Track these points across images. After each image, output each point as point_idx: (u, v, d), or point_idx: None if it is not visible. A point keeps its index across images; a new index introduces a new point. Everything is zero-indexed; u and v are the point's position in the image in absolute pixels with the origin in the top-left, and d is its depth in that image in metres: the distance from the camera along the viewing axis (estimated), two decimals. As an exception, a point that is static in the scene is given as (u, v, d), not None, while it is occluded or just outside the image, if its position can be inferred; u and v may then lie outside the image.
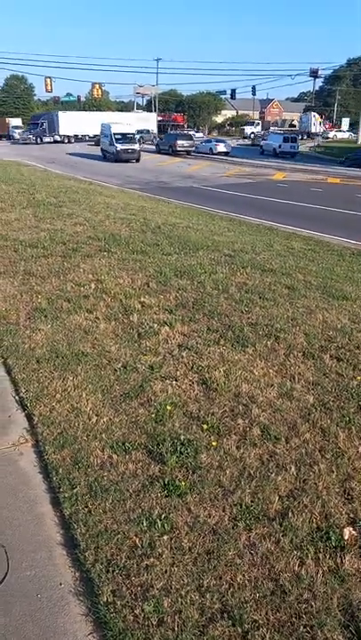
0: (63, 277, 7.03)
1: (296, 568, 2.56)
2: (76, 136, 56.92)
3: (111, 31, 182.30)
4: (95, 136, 48.57)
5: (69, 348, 4.80)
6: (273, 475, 3.22)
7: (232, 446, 3.47)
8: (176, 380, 4.27)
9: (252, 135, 64.10)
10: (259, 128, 72.01)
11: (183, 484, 3.07)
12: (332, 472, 3.26)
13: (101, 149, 40.36)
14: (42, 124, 57.39)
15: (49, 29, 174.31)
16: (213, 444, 3.45)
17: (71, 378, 4.26)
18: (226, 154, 44.33)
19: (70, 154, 41.98)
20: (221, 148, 45.73)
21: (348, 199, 19.74)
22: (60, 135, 56.70)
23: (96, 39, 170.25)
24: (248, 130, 70.48)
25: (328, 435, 3.65)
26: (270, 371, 4.54)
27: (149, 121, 63.44)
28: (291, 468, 3.30)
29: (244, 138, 68.15)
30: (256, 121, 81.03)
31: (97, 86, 63.09)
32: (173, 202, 17.73)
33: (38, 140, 55.55)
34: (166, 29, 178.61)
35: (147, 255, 8.45)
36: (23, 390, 4.11)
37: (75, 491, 3.04)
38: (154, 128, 63.07)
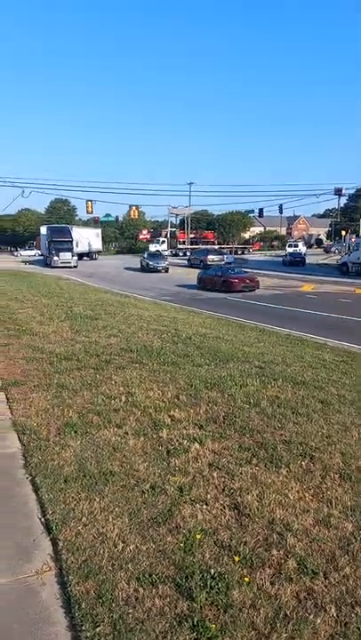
0: (95, 390, 7.10)
1: None
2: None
3: (149, 159, 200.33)
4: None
5: (97, 466, 4.73)
6: (311, 616, 2.95)
7: (266, 581, 3.23)
8: (206, 504, 4.09)
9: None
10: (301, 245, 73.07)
11: (214, 625, 2.84)
12: (378, 615, 2.97)
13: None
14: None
15: (95, 157, 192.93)
16: (246, 578, 3.21)
17: (98, 499, 4.15)
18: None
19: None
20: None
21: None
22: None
23: (136, 167, 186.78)
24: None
25: (371, 570, 3.37)
26: (306, 494, 4.33)
27: (92, 236, 64.07)
28: (331, 608, 3.02)
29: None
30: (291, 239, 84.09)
31: (134, 208, 67.91)
32: (205, 312, 18.19)
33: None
34: (200, 155, 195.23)
35: (177, 366, 8.53)
36: (50, 512, 4.00)
37: (97, 630, 2.83)
38: (99, 245, 65.34)
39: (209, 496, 4.23)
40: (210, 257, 47.87)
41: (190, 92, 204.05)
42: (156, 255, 47.92)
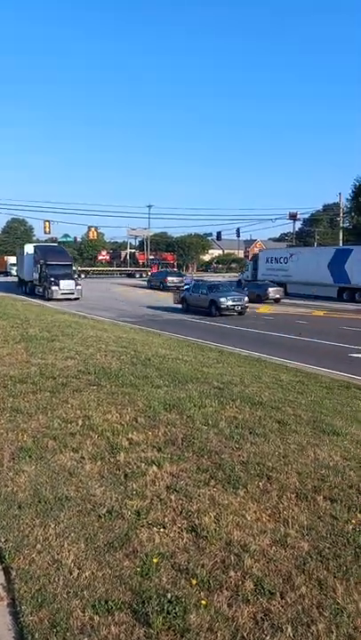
0: (51, 414, 6.97)
1: None
2: None
3: (108, 181, 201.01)
4: None
5: (53, 491, 4.62)
6: (268, 637, 2.96)
7: (223, 603, 3.22)
8: (164, 528, 4.06)
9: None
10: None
11: (170, 651, 2.80)
12: (332, 633, 3.00)
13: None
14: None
15: (50, 176, 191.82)
16: (203, 601, 3.19)
17: (53, 525, 4.05)
18: (277, 300, 35.72)
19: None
20: (275, 294, 36.29)
21: (332, 331, 20.38)
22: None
23: (93, 188, 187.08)
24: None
25: (325, 588, 3.42)
26: (263, 515, 4.36)
27: None
28: (287, 628, 3.03)
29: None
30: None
31: (93, 229, 67.87)
32: (164, 334, 18.23)
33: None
34: (159, 180, 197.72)
35: (136, 388, 8.49)
36: (2, 540, 3.88)
37: (50, 661, 2.75)
38: None
39: (166, 519, 4.20)
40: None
41: (149, 117, 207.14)
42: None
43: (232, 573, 3.53)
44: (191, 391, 8.45)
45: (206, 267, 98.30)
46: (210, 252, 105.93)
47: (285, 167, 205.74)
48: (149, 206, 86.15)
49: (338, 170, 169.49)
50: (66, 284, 33.94)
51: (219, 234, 73.27)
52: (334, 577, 3.53)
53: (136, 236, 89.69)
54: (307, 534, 4.08)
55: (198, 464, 5.35)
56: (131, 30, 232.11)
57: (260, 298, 33.82)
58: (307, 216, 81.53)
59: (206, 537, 3.95)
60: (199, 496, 4.62)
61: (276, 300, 34.51)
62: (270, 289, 35.37)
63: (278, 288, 36.10)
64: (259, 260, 46.88)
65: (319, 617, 3.14)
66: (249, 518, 4.28)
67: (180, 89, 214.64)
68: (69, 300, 32.78)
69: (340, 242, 55.70)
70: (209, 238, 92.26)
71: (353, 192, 47.01)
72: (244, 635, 2.97)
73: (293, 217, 65.20)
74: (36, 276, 36.62)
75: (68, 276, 34.93)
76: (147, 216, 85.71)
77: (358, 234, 47.79)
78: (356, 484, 5.02)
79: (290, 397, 8.68)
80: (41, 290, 35.18)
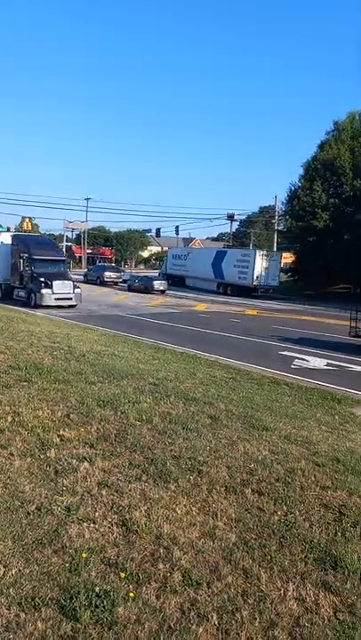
0: (-21, 410, 6.74)
1: None
2: None
3: (44, 171, 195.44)
4: None
5: (-20, 488, 4.49)
6: (194, 626, 3.03)
7: (151, 595, 3.27)
8: (94, 523, 4.05)
9: None
10: None
11: (97, 644, 2.81)
12: (255, 619, 3.13)
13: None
14: None
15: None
16: (131, 594, 3.23)
17: (-21, 523, 3.94)
18: (162, 292, 40.09)
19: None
20: (159, 286, 41.08)
21: (263, 330, 20.98)
22: None
23: (29, 178, 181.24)
24: None
25: (250, 576, 3.55)
26: (193, 508, 4.45)
27: None
28: (213, 616, 3.12)
29: None
30: None
31: (27, 220, 65.91)
32: (100, 329, 18.07)
33: None
34: (97, 171, 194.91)
35: (69, 384, 8.37)
36: None
37: (-27, 662, 2.68)
38: None
39: (97, 514, 4.19)
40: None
41: (88, 114, 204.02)
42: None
43: (161, 566, 3.59)
44: (126, 387, 8.45)
45: (145, 262, 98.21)
46: (149, 248, 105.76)
47: (225, 168, 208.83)
48: (87, 199, 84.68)
49: (275, 172, 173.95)
50: (61, 287, 25.50)
51: (158, 230, 73.24)
52: (259, 566, 3.67)
53: (73, 229, 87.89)
54: (235, 526, 4.21)
55: (131, 459, 5.37)
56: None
57: (147, 289, 39.70)
58: (244, 217, 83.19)
59: (136, 531, 3.99)
60: (130, 491, 4.64)
61: (162, 292, 39.77)
62: (155, 282, 41.64)
63: (163, 281, 42.65)
64: (167, 256, 54.49)
65: (244, 604, 3.26)
66: (179, 512, 4.35)
67: (125, 84, 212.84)
68: (63, 307, 25.23)
69: (275, 244, 57.38)
70: (148, 235, 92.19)
71: (288, 196, 48.45)
72: (171, 625, 3.03)
73: (231, 218, 66.35)
74: (13, 275, 27.64)
75: (63, 276, 26.69)
76: (84, 209, 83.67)
77: (293, 237, 49.31)
78: (283, 477, 5.22)
79: (223, 393, 8.88)
80: (23, 294, 26.57)
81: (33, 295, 25.56)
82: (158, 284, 40.88)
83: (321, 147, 45.75)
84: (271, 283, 42.81)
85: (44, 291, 25.02)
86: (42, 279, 25.22)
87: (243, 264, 42.48)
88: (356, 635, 3.05)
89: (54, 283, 25.22)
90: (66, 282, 26.05)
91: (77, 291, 26.17)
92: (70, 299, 25.66)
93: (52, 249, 29.57)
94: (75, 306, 25.66)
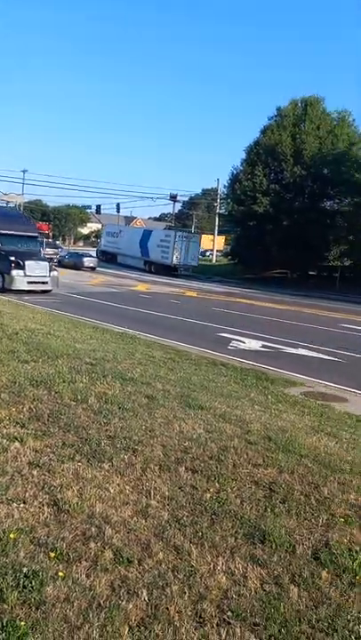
0: None
1: None
2: None
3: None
4: None
5: None
6: (124, 602, 3.04)
7: (82, 574, 3.24)
8: (24, 503, 3.96)
9: None
10: None
11: (24, 623, 2.76)
12: (185, 593, 3.18)
13: None
14: None
15: None
16: (61, 573, 3.19)
17: None
18: (92, 269, 41.48)
19: None
20: (89, 263, 42.51)
21: (203, 311, 21.22)
22: None
23: None
24: None
25: (181, 552, 3.59)
26: (126, 487, 4.44)
27: None
28: (143, 592, 3.15)
29: None
30: None
31: None
32: (35, 307, 17.59)
33: None
34: (34, 143, 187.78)
35: (0, 363, 8.11)
36: None
37: None
38: None
39: (27, 494, 4.10)
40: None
41: (29, 84, 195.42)
42: None
43: (92, 545, 3.56)
44: (61, 367, 8.28)
45: (85, 239, 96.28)
46: (89, 225, 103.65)
47: (170, 149, 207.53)
48: (24, 171, 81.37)
49: (219, 156, 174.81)
50: (34, 268, 21.88)
51: (98, 207, 71.74)
52: (190, 542, 3.73)
53: (8, 202, 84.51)
54: (167, 504, 4.24)
55: (64, 439, 5.29)
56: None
57: (76, 266, 40.04)
58: (187, 199, 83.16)
59: (68, 510, 3.94)
60: (63, 471, 4.57)
61: (92, 269, 40.52)
62: (85, 258, 42.71)
63: (93, 258, 43.80)
64: (103, 233, 57.68)
65: (174, 580, 3.30)
66: (112, 491, 4.33)
67: (70, 58, 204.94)
68: (36, 292, 21.75)
69: (216, 227, 57.86)
70: (88, 211, 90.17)
71: (230, 180, 48.83)
72: (101, 602, 3.02)
73: (174, 198, 66.14)
74: None
75: (36, 256, 22.97)
76: (21, 181, 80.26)
77: (234, 221, 49.91)
78: (216, 454, 5.32)
79: (160, 373, 8.90)
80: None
81: (1, 277, 21.79)
82: (88, 262, 41.38)
83: (263, 132, 46.29)
84: (191, 263, 45.62)
85: (14, 272, 21.35)
86: (12, 258, 21.41)
87: (165, 244, 44.93)
88: (281, 604, 3.17)
89: (27, 263, 21.50)
90: (41, 262, 22.51)
91: (54, 273, 22.84)
92: (46, 282, 22.26)
93: (22, 223, 25.40)
94: (49, 291, 22.39)
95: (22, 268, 21.45)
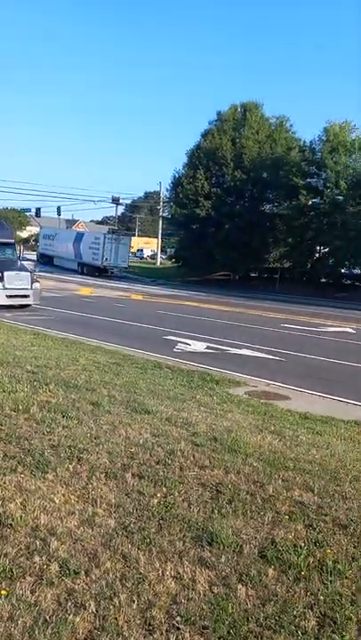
0: None
1: None
2: None
3: None
4: None
5: None
6: (71, 616, 2.97)
7: (26, 590, 3.14)
8: None
9: None
10: None
11: (-35, 648, 2.65)
12: (133, 602, 3.14)
13: None
14: None
15: None
16: (3, 592, 3.08)
17: None
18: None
19: None
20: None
21: (148, 315, 21.19)
22: None
23: None
24: None
25: (129, 560, 3.55)
26: (72, 497, 4.35)
27: None
28: (90, 604, 3.08)
29: None
30: None
31: None
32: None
33: None
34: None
35: None
36: None
37: None
38: None
39: (-33, 511, 3.94)
40: None
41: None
42: None
43: (37, 558, 3.46)
44: (1, 376, 8.03)
45: (24, 243, 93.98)
46: (28, 228, 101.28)
47: (112, 152, 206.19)
48: None
49: (161, 159, 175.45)
50: (14, 280, 19.20)
51: (38, 210, 70.30)
52: (138, 549, 3.69)
53: None
54: (114, 512, 4.19)
55: (5, 451, 5.12)
56: None
57: None
58: (129, 202, 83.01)
59: (11, 524, 3.81)
60: (5, 484, 4.42)
61: None
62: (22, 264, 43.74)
63: (29, 262, 43.60)
64: (40, 236, 58.98)
65: (122, 588, 3.26)
66: (57, 501, 4.23)
67: (21, 59, 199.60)
68: (14, 307, 19.21)
69: (159, 230, 58.05)
70: (27, 214, 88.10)
71: (172, 184, 49.13)
72: (47, 617, 2.94)
73: (116, 201, 65.77)
74: None
75: (15, 265, 20.21)
76: None
77: (177, 224, 50.20)
78: (163, 459, 5.31)
79: (106, 379, 8.79)
80: None
81: None
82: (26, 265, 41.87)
83: (204, 136, 46.88)
84: (121, 264, 46.75)
85: None
86: None
87: (95, 246, 45.95)
88: (230, 605, 3.19)
89: (5, 274, 18.82)
90: (21, 273, 19.64)
91: (36, 285, 20.00)
92: (27, 296, 19.55)
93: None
94: (29, 305, 19.78)
95: (1, 280, 18.86)
